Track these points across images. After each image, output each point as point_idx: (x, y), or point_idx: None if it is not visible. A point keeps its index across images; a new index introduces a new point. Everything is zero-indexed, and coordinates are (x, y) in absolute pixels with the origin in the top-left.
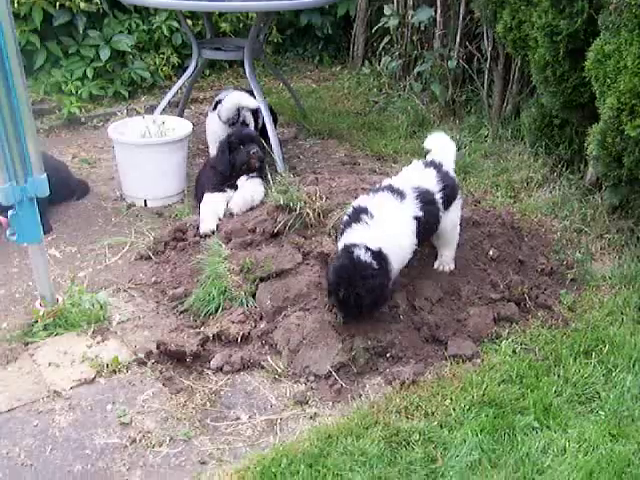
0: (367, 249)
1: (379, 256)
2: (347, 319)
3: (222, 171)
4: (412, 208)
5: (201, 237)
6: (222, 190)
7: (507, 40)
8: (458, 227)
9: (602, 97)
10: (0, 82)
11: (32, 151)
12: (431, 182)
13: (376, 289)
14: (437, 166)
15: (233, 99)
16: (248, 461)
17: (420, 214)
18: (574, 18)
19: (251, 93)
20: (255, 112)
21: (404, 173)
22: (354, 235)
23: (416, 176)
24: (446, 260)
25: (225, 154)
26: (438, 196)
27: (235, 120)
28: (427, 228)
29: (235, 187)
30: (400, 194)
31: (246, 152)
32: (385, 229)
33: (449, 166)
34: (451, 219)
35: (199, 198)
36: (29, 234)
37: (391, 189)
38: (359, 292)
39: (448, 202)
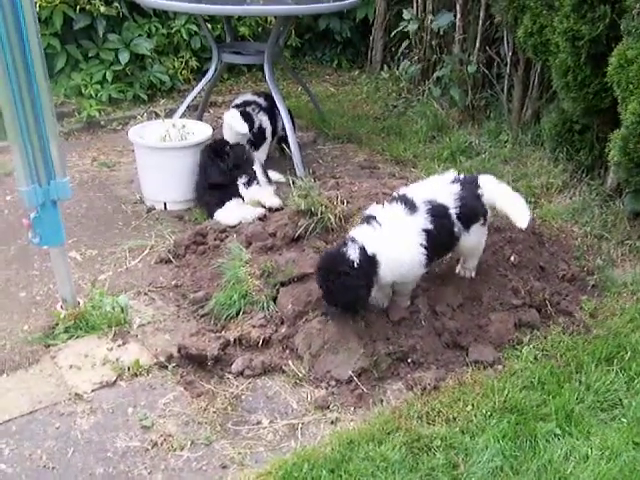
0: (362, 249)
1: (369, 260)
2: (327, 306)
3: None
4: (421, 222)
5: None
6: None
7: (528, 45)
8: (483, 245)
9: (624, 103)
10: (24, 85)
11: (55, 154)
12: (449, 198)
13: (350, 289)
14: (465, 183)
15: (226, 121)
16: (269, 466)
17: (430, 227)
18: (596, 23)
19: (266, 96)
20: (272, 116)
21: (428, 182)
22: (360, 232)
23: (437, 189)
24: (468, 267)
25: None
26: (453, 212)
27: (252, 126)
28: (439, 244)
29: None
30: (412, 206)
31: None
32: (388, 238)
33: (487, 189)
34: (472, 240)
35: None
36: (52, 237)
37: (404, 200)
38: (332, 285)
39: (467, 222)
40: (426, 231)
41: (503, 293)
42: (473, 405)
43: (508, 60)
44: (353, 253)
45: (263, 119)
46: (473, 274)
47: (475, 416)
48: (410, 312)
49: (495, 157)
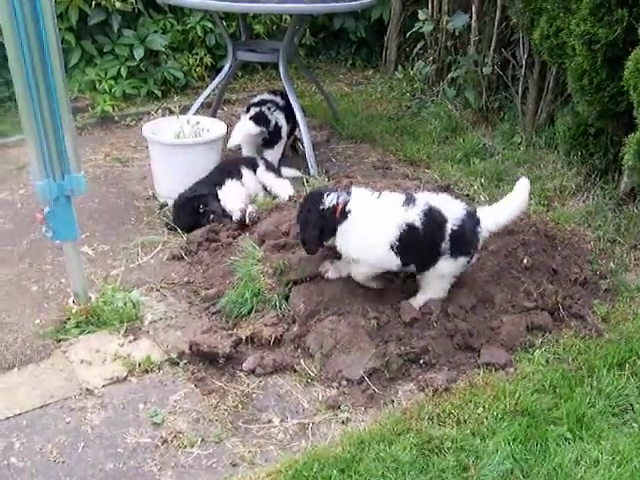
0: (345, 203)
1: (342, 212)
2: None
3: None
4: (411, 217)
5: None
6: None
7: (544, 48)
8: (445, 284)
9: None
10: (40, 79)
11: (70, 149)
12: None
13: (308, 224)
14: (470, 214)
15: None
16: (280, 464)
17: (417, 226)
18: (613, 27)
19: (283, 95)
20: (289, 114)
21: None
22: (358, 190)
23: (448, 202)
24: (412, 302)
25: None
26: (449, 228)
27: (267, 125)
28: (417, 248)
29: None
30: (411, 201)
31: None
32: (373, 210)
33: (490, 220)
34: (448, 269)
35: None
36: (65, 232)
37: (410, 196)
38: (300, 214)
39: (456, 248)
40: (410, 226)
41: (515, 295)
42: (484, 407)
43: (523, 62)
44: (332, 198)
45: (279, 117)
46: (412, 314)
47: (486, 418)
48: (422, 313)
49: (508, 159)
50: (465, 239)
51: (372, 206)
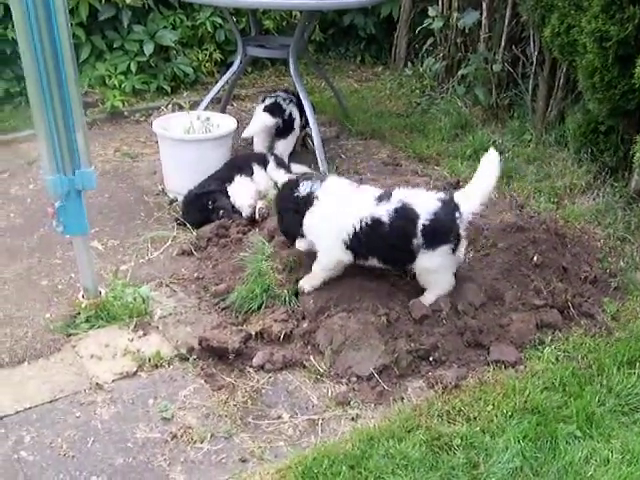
0: (312, 190)
1: (309, 199)
2: None
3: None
4: (379, 211)
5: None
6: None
7: (554, 45)
8: (445, 275)
9: None
10: (52, 74)
11: (81, 143)
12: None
13: (284, 212)
14: (446, 203)
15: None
16: (289, 460)
17: (384, 220)
18: (625, 24)
19: (294, 94)
20: (302, 109)
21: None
22: (335, 179)
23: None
24: (423, 300)
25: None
26: (419, 225)
27: (282, 114)
28: (384, 244)
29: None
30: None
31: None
32: (339, 200)
33: (469, 202)
34: (432, 263)
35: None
36: (76, 226)
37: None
38: (277, 206)
39: (432, 241)
40: (375, 221)
41: (525, 293)
42: (494, 405)
43: (534, 59)
44: (306, 187)
45: (293, 110)
46: (422, 311)
47: (496, 416)
48: (432, 310)
49: (518, 156)
50: (441, 229)
51: (341, 195)
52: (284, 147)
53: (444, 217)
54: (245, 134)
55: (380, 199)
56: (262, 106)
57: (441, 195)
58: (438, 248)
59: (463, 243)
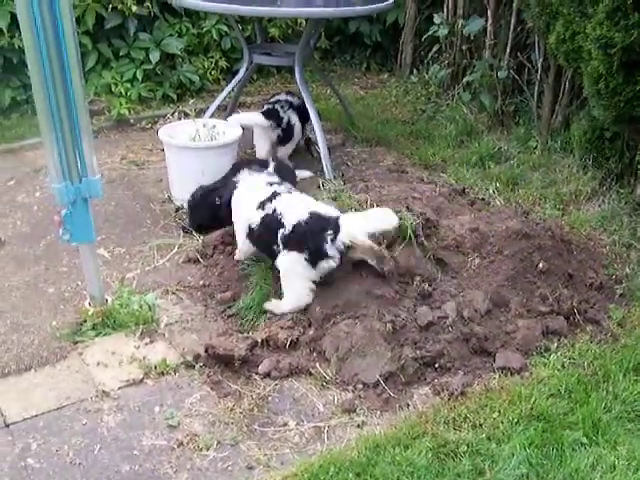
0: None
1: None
2: None
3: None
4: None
5: None
6: None
7: (559, 52)
8: (294, 284)
9: None
10: (59, 83)
11: (87, 152)
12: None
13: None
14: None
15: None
16: (295, 468)
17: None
18: (630, 31)
19: (298, 96)
20: (303, 115)
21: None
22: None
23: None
24: (277, 304)
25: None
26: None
27: (280, 120)
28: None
29: None
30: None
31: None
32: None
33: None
34: (282, 265)
35: None
36: (82, 234)
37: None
38: None
39: (286, 244)
40: (251, 226)
41: (531, 300)
42: (500, 412)
43: (539, 66)
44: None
45: (292, 116)
46: (277, 311)
47: (502, 423)
48: (438, 317)
49: (524, 163)
50: (301, 238)
51: (249, 191)
52: (284, 152)
53: (310, 228)
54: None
55: (262, 205)
56: (259, 112)
57: (322, 211)
58: (291, 252)
59: (330, 264)
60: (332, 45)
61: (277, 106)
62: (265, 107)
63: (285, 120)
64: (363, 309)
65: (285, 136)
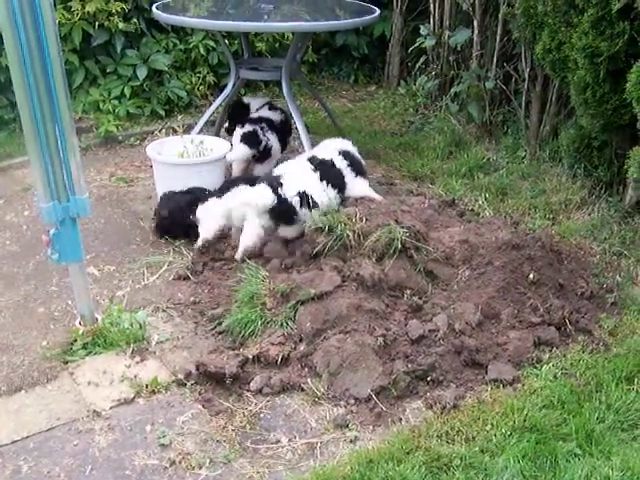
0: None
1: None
2: None
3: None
4: None
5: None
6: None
7: (546, 61)
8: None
9: None
10: (45, 102)
11: (75, 171)
12: None
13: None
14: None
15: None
16: None
17: None
18: (615, 39)
19: (282, 111)
20: (283, 132)
21: None
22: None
23: None
24: None
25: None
26: None
27: (258, 144)
28: None
29: None
30: None
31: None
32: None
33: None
34: None
35: None
36: (70, 254)
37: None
38: None
39: None
40: None
41: (522, 311)
42: (492, 424)
43: (526, 76)
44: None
45: (271, 138)
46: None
47: (495, 435)
48: (429, 330)
49: (513, 173)
50: None
51: None
52: (262, 170)
53: None
54: (228, 157)
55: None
56: (240, 132)
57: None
58: None
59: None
60: (319, 58)
61: (257, 127)
62: (245, 127)
63: (263, 144)
64: (354, 324)
65: (262, 156)
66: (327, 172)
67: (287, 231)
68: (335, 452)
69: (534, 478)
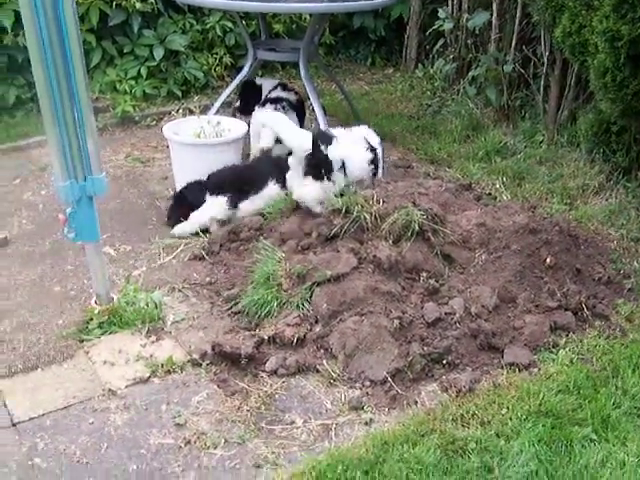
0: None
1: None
2: None
3: None
4: None
5: None
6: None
7: (565, 45)
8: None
9: None
10: (63, 81)
11: (92, 150)
12: None
13: None
14: None
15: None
16: (303, 466)
17: None
18: (636, 23)
19: (296, 92)
20: (300, 113)
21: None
22: None
23: None
24: None
25: None
26: None
27: None
28: None
29: None
30: None
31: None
32: None
33: None
34: None
35: None
36: (87, 233)
37: None
38: None
39: None
40: None
41: (538, 295)
42: (508, 408)
43: (545, 60)
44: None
45: (292, 117)
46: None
47: (510, 419)
48: (445, 313)
49: (530, 157)
50: None
51: None
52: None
53: None
54: (263, 146)
55: None
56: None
57: None
58: None
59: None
60: (337, 40)
61: (279, 106)
62: (267, 106)
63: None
64: (370, 306)
65: None
66: (375, 159)
67: (306, 190)
68: (350, 434)
69: (549, 462)
